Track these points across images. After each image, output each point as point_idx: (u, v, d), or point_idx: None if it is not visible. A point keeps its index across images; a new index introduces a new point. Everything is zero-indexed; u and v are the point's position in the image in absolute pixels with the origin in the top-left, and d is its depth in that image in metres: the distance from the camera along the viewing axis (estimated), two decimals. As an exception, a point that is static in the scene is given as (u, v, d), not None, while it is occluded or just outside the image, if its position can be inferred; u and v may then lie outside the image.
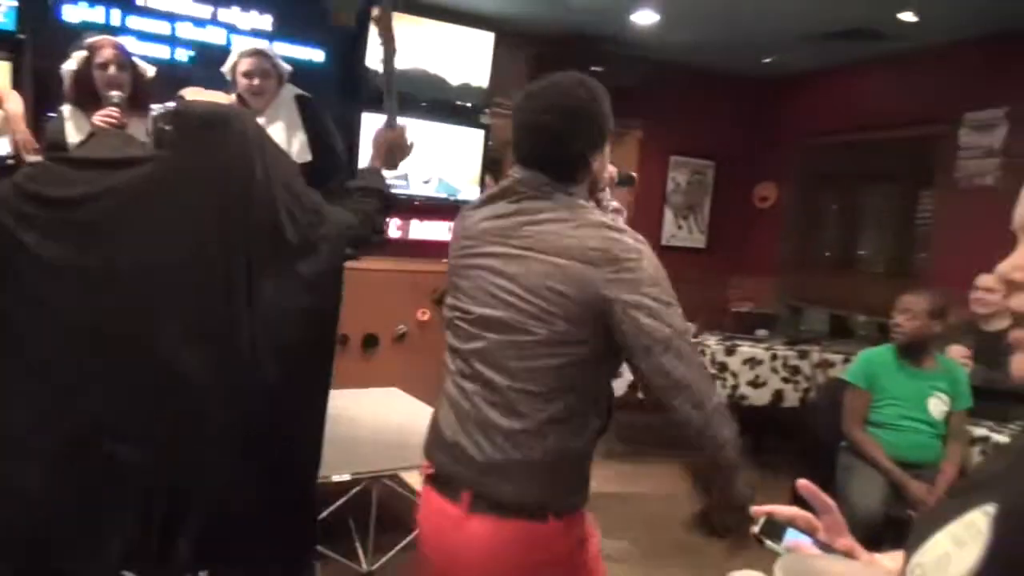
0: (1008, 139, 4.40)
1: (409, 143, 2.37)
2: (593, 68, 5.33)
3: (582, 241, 1.39)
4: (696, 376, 1.38)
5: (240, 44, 3.12)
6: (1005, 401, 3.24)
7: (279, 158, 1.81)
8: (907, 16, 4.32)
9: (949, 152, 4.72)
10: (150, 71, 2.93)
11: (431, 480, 1.54)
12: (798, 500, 0.97)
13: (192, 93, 1.84)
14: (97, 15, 3.93)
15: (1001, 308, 3.30)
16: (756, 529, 0.89)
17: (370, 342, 4.77)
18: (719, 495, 1.50)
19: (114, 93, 2.70)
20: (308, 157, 3.02)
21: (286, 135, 3.01)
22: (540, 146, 1.49)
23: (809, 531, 0.89)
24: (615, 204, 1.78)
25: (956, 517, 0.71)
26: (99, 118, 2.67)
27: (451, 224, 5.52)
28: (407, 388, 4.04)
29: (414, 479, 3.62)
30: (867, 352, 3.30)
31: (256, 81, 2.97)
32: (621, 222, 1.51)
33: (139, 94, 2.80)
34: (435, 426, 1.56)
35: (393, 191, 2.26)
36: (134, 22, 4.03)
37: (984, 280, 3.46)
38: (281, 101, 3.05)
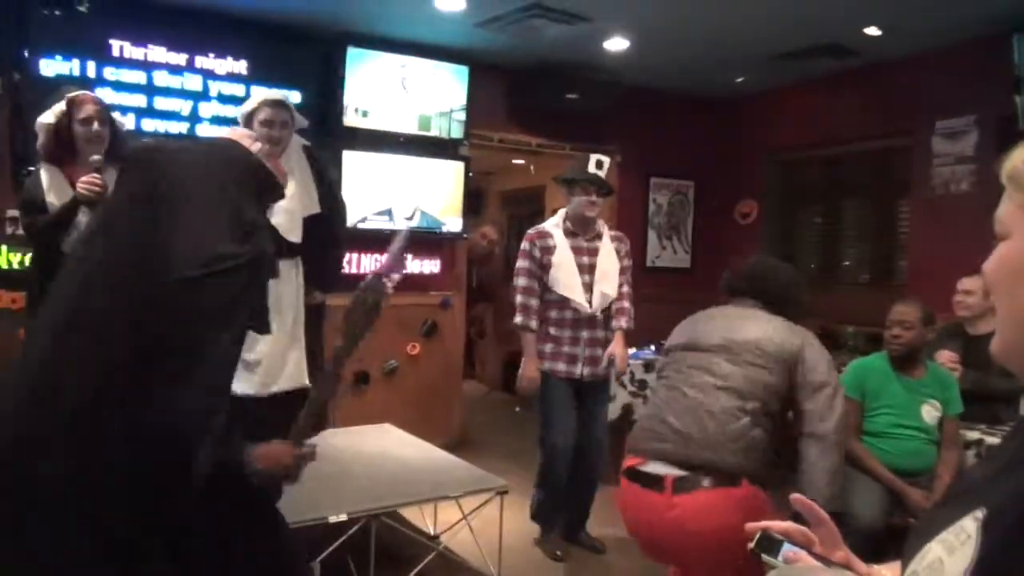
0: (979, 145, 4.48)
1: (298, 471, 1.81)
2: (568, 96, 5.40)
3: None
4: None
5: (260, 92, 3.13)
6: (995, 403, 3.26)
7: None
8: (872, 31, 4.42)
9: (923, 161, 4.80)
10: (126, 123, 2.96)
11: None
12: (798, 515, 0.97)
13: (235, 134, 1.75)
14: (73, 67, 3.95)
15: (984, 310, 3.33)
16: (752, 545, 0.89)
17: (361, 379, 4.75)
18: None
19: (95, 157, 2.71)
20: (317, 209, 3.05)
21: (300, 187, 3.02)
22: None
23: (805, 544, 0.89)
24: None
25: (948, 524, 0.72)
26: (83, 186, 2.67)
27: (438, 260, 5.49)
28: (399, 423, 4.02)
29: (412, 515, 3.59)
30: (858, 362, 3.32)
31: (276, 131, 2.96)
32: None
33: (116, 147, 2.81)
34: None
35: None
36: (110, 73, 4.05)
37: (966, 283, 3.50)
38: (291, 151, 3.06)
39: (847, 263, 5.72)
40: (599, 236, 3.58)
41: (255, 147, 1.65)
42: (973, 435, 3.12)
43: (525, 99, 5.44)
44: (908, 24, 4.28)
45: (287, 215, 3.04)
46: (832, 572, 0.83)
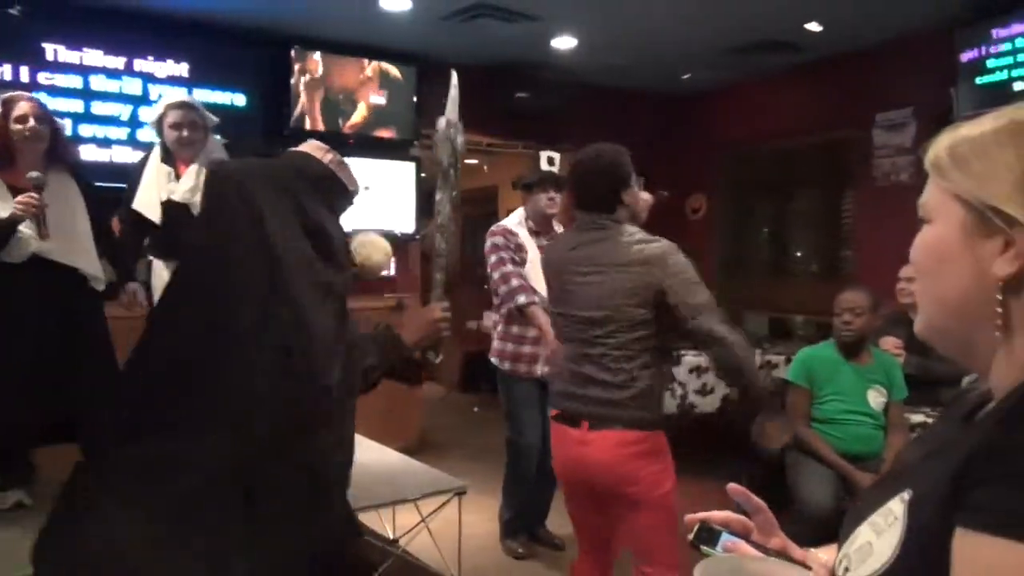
0: (918, 137, 4.61)
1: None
2: (519, 95, 5.41)
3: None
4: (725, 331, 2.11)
5: (166, 95, 3.16)
6: (938, 387, 3.36)
7: None
8: (813, 26, 4.51)
9: (866, 153, 4.92)
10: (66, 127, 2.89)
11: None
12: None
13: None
14: (4, 72, 3.82)
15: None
16: (691, 536, 0.90)
17: (315, 384, 4.68)
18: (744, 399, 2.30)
19: (33, 174, 2.64)
20: None
21: None
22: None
23: (743, 533, 0.90)
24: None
25: (877, 506, 0.73)
26: (19, 205, 2.61)
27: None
28: (357, 427, 3.96)
29: (370, 520, 3.55)
30: (805, 351, 3.38)
31: (185, 133, 2.97)
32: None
33: (58, 147, 2.77)
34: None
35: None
36: (45, 78, 3.93)
37: (908, 270, 3.59)
38: (210, 151, 3.05)
39: (797, 254, 5.84)
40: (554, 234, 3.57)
41: (327, 158, 1.68)
42: (917, 418, 3.20)
43: (475, 99, 5.37)
44: (848, 20, 4.38)
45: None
46: (753, 560, 0.84)
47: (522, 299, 3.27)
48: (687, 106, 6.30)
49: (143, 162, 3.13)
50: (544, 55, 5.09)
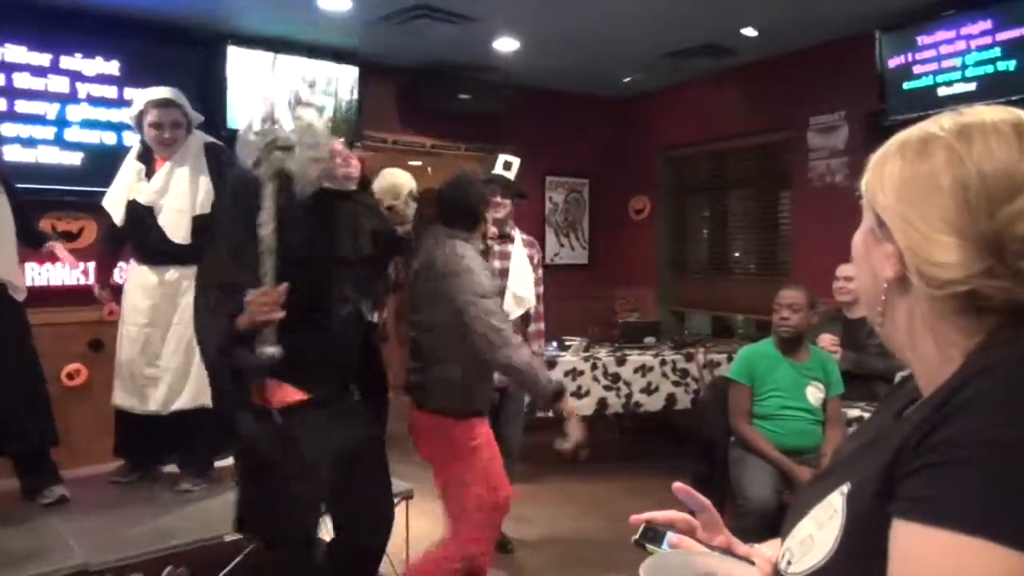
0: (850, 139, 4.76)
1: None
2: (461, 96, 5.39)
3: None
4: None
5: (147, 91, 3.01)
6: (873, 382, 3.46)
7: None
8: (748, 31, 4.62)
9: (801, 155, 5.05)
10: None
11: None
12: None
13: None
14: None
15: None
16: (637, 536, 0.91)
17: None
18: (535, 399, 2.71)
19: None
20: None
21: (189, 182, 2.93)
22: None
23: (688, 532, 0.91)
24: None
25: (818, 500, 0.75)
26: None
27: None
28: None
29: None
30: (746, 348, 3.45)
31: (167, 134, 2.89)
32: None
33: None
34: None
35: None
36: (-37, 75, 3.75)
37: (844, 269, 3.70)
38: (188, 148, 2.97)
39: (736, 254, 5.96)
40: (510, 239, 3.55)
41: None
42: (854, 413, 3.30)
43: (418, 100, 5.40)
44: (782, 25, 4.49)
45: (176, 215, 2.91)
46: (696, 555, 0.85)
47: None
48: (628, 108, 6.38)
49: (126, 157, 3.06)
50: (486, 57, 5.09)
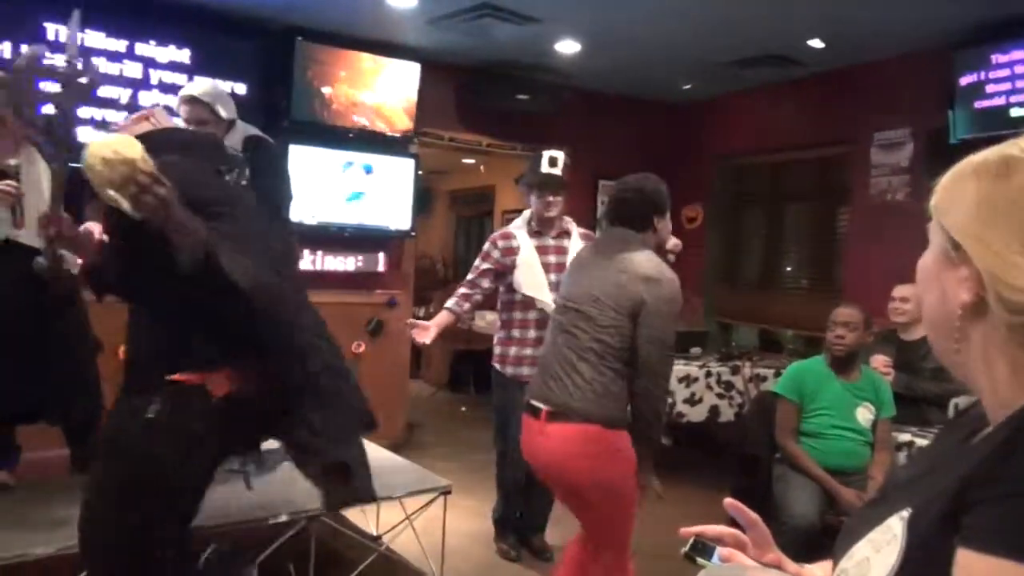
0: (914, 157, 4.64)
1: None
2: (519, 96, 5.41)
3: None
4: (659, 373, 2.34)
5: (187, 87, 3.03)
6: (926, 406, 3.38)
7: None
8: (815, 43, 4.54)
9: (862, 170, 4.95)
10: None
11: None
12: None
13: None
14: (4, 50, 3.79)
15: (917, 317, 3.45)
16: (686, 549, 0.91)
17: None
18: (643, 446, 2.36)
19: (12, 162, 2.62)
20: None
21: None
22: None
23: (737, 547, 0.91)
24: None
25: (876, 523, 0.74)
26: None
27: (382, 255, 5.45)
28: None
29: (354, 516, 3.54)
30: (796, 365, 3.40)
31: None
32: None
33: (34, 130, 2.72)
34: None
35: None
36: (45, 57, 3.89)
37: (901, 290, 3.61)
38: (227, 141, 2.96)
39: (788, 268, 5.87)
40: (567, 234, 3.52)
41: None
42: (904, 437, 3.22)
43: (476, 98, 5.44)
44: (850, 37, 4.41)
45: None
46: (762, 569, 0.85)
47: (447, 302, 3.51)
48: (685, 115, 6.32)
49: None
50: (546, 58, 5.10)
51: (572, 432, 2.30)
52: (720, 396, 4.68)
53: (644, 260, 2.36)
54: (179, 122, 2.94)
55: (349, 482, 2.12)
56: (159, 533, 1.96)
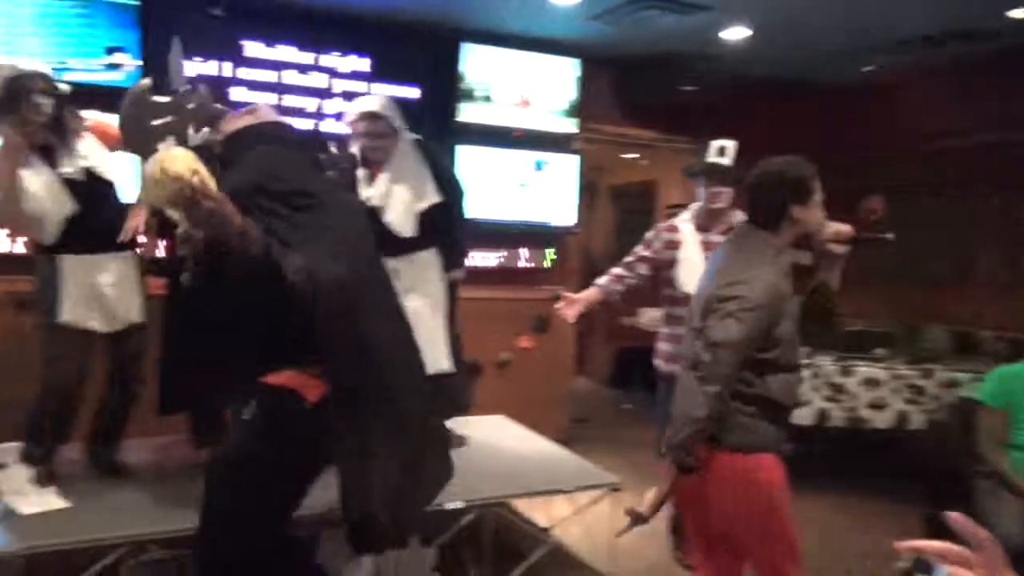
0: None
1: None
2: (684, 88, 5.28)
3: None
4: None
5: (357, 102, 3.17)
6: None
7: None
8: (1016, 13, 4.08)
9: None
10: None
11: None
12: (940, 532, 0.90)
13: None
14: (211, 68, 4.18)
15: None
16: (904, 565, 0.84)
17: (473, 370, 4.79)
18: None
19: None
20: (437, 199, 3.12)
21: (416, 182, 3.10)
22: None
23: (962, 565, 0.83)
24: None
25: None
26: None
27: (548, 251, 5.48)
28: (511, 415, 4.04)
29: (523, 507, 3.60)
30: (1002, 370, 3.08)
31: (367, 142, 3.06)
32: None
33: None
34: None
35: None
36: (244, 73, 4.27)
37: None
38: (402, 152, 3.11)
39: (983, 264, 5.34)
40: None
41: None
42: None
43: (639, 92, 5.37)
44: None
45: (402, 209, 3.09)
46: None
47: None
48: (864, 100, 5.90)
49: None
50: (712, 46, 4.93)
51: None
52: (909, 402, 4.33)
53: (760, 263, 2.07)
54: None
55: (379, 531, 2.01)
56: (257, 527, 1.99)
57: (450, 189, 3.20)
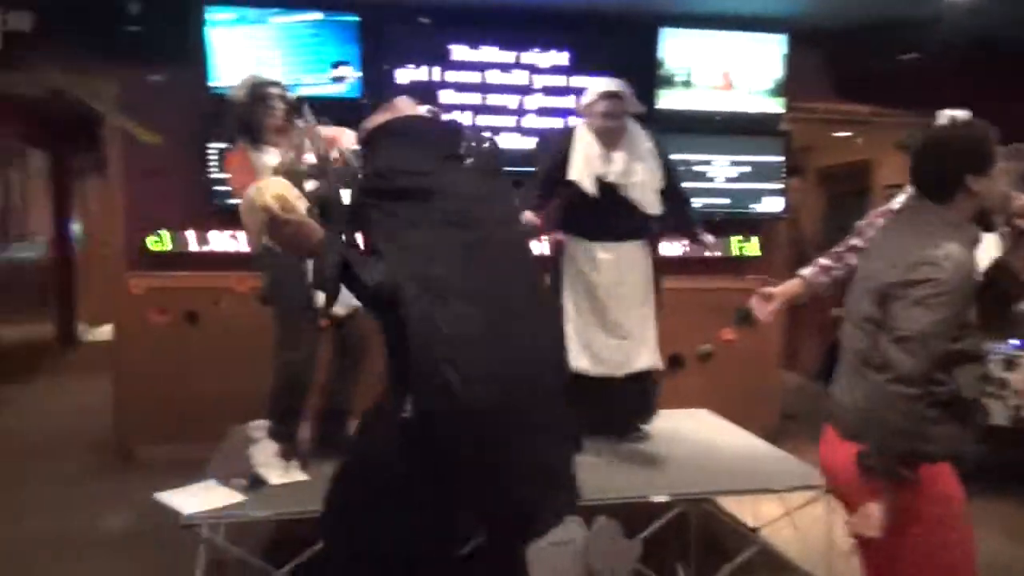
0: None
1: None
2: (902, 56, 4.82)
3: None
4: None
5: (596, 83, 3.20)
6: None
7: None
8: None
9: None
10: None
11: None
12: None
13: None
14: (422, 74, 4.45)
15: None
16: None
17: (675, 362, 4.73)
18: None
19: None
20: (666, 180, 3.22)
21: (651, 163, 3.19)
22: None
23: None
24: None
25: None
26: None
27: (755, 239, 5.28)
28: (714, 409, 3.94)
29: (728, 504, 3.50)
30: None
31: (611, 123, 3.12)
32: None
33: None
34: None
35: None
36: (451, 75, 4.50)
37: None
38: (635, 135, 3.20)
39: None
40: None
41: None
42: None
43: (852, 65, 4.99)
44: None
45: (646, 187, 3.17)
46: None
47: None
48: None
49: (567, 139, 3.24)
50: (931, 8, 4.46)
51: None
52: None
53: (928, 243, 1.79)
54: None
55: None
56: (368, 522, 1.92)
57: (671, 170, 3.29)
